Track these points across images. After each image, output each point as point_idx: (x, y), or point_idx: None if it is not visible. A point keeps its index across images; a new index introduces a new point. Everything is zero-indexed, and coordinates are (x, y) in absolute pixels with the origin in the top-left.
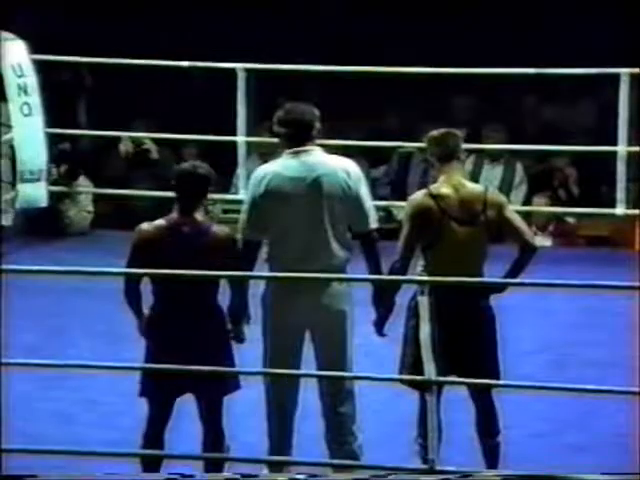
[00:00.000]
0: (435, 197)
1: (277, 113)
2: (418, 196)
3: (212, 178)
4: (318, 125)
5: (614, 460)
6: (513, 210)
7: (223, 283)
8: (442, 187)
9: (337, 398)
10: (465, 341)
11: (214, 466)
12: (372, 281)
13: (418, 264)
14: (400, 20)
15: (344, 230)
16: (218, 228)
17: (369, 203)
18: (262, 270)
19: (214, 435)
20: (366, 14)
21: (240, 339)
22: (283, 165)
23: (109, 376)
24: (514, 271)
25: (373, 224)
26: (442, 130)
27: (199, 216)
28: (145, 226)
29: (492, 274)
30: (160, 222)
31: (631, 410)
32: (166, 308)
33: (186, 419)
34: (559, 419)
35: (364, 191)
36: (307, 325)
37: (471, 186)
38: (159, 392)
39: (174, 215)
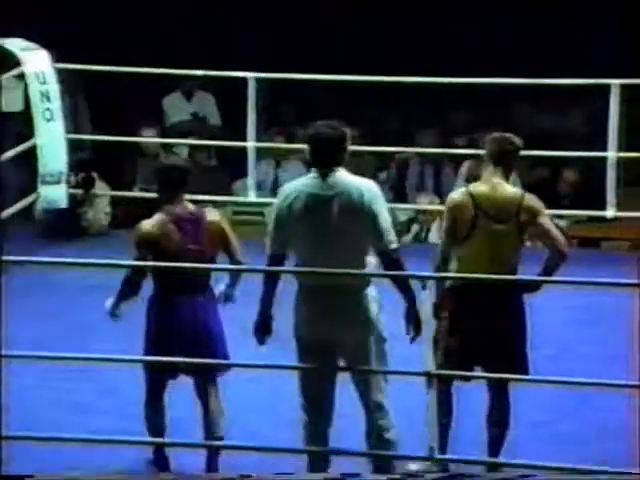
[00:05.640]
0: (472, 194)
1: (307, 130)
2: (457, 193)
3: (189, 168)
4: (348, 145)
5: (613, 454)
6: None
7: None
8: (480, 186)
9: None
10: (495, 333)
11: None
12: (405, 294)
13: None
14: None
15: (365, 249)
16: (210, 212)
17: (387, 223)
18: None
19: (210, 412)
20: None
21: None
22: (307, 183)
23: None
24: (544, 276)
25: (392, 244)
26: (503, 134)
27: (189, 204)
28: (145, 222)
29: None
30: (158, 216)
31: (629, 404)
32: (167, 293)
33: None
34: (557, 410)
35: (381, 211)
36: (337, 349)
37: (509, 189)
38: (158, 371)
39: (167, 207)
